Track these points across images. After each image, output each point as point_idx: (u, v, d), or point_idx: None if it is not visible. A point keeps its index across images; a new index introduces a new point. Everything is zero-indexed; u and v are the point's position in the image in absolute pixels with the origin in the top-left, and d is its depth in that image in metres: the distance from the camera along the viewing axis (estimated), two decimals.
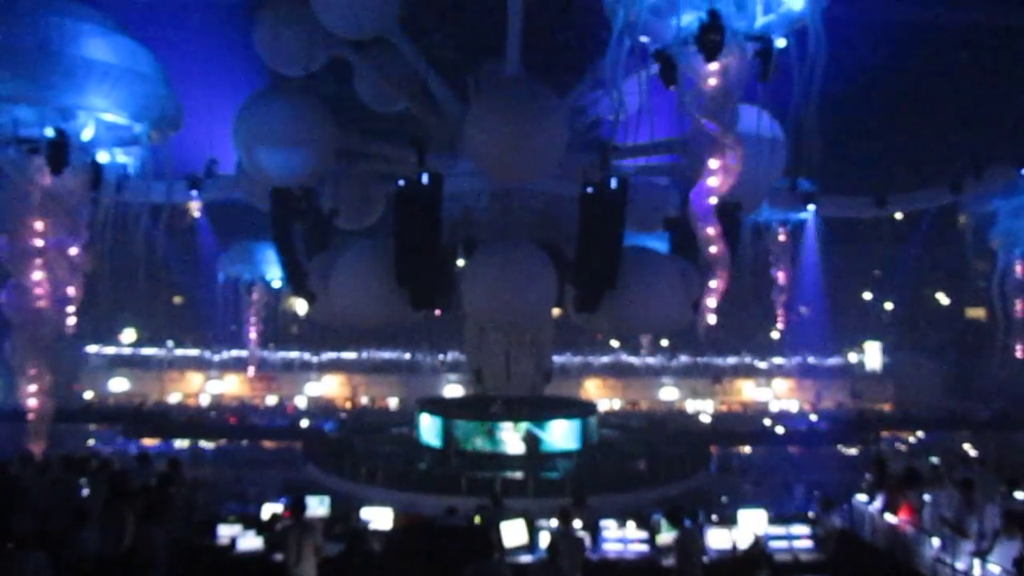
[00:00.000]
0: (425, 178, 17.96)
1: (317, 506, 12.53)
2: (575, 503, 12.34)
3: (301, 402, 37.14)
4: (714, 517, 12.58)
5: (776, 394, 38.97)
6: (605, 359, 40.25)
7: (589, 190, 18.17)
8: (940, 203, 27.60)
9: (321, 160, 19.78)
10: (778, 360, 39.46)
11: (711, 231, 17.50)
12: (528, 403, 20.87)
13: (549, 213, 21.19)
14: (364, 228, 24.33)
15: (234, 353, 37.63)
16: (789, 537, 12.07)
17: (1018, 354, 27.25)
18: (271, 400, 37.51)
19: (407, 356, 39.87)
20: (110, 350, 39.80)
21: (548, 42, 23.48)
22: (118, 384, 38.01)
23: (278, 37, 21.59)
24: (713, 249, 17.75)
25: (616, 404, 36.93)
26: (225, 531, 11.85)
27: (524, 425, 19.62)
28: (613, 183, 18.05)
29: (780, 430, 30.73)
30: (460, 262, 20.71)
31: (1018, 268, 27.01)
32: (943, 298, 44.25)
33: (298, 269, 20.63)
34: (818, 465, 23.96)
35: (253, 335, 32.36)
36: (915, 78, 32.13)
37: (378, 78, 22.58)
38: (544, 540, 11.07)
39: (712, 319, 19.17)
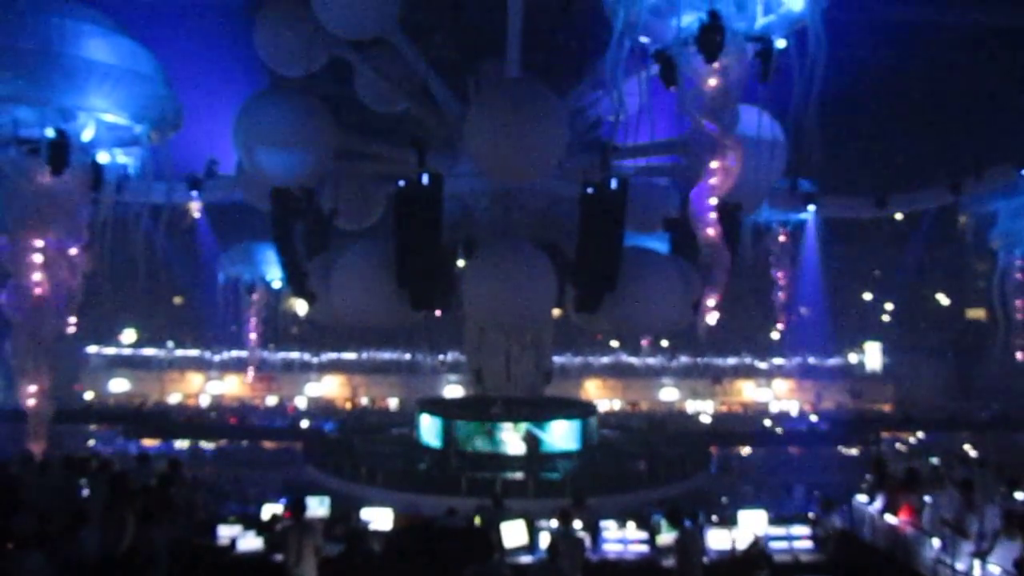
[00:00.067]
0: (425, 178, 17.95)
1: (317, 506, 12.53)
2: (575, 504, 12.35)
3: (301, 403, 37.16)
4: (714, 518, 12.59)
5: (776, 395, 39.00)
6: (605, 359, 40.27)
7: (589, 190, 18.16)
8: (940, 203, 27.61)
9: (321, 160, 19.77)
10: (778, 361, 39.47)
11: (711, 232, 17.50)
12: (528, 404, 20.85)
13: (549, 213, 21.19)
14: (364, 228, 24.33)
15: (234, 354, 37.65)
16: (789, 538, 12.08)
17: (1019, 355, 27.22)
18: (271, 401, 37.53)
19: (407, 357, 39.87)
20: (110, 350, 39.85)
21: (548, 42, 23.47)
22: (118, 384, 38.04)
23: (278, 37, 21.59)
24: (713, 250, 17.75)
25: (616, 405, 36.95)
26: (225, 531, 11.85)
27: (524, 426, 19.61)
28: (613, 184, 18.03)
29: (780, 431, 30.76)
30: (460, 262, 20.72)
31: (1018, 270, 26.97)
32: (943, 299, 44.24)
33: (298, 269, 20.62)
34: (818, 466, 23.97)
35: (253, 336, 32.36)
36: (915, 78, 32.12)
37: (378, 78, 22.56)
38: (544, 541, 11.06)
39: (712, 320, 19.16)
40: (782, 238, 30.08)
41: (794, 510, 15.29)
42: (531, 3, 19.10)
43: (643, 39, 16.71)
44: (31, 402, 17.59)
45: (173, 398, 37.90)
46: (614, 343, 40.63)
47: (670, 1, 15.59)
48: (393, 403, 36.88)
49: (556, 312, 21.94)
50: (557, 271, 18.51)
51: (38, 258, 17.17)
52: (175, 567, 10.25)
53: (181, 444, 27.82)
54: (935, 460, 18.11)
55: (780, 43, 15.90)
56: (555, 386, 24.47)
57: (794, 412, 36.24)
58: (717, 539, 11.57)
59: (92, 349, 38.66)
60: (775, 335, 34.33)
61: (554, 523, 11.29)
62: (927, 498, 11.98)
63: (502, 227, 20.63)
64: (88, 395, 36.76)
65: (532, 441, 19.48)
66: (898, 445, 28.60)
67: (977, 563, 10.29)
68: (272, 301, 32.22)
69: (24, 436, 17.54)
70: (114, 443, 27.20)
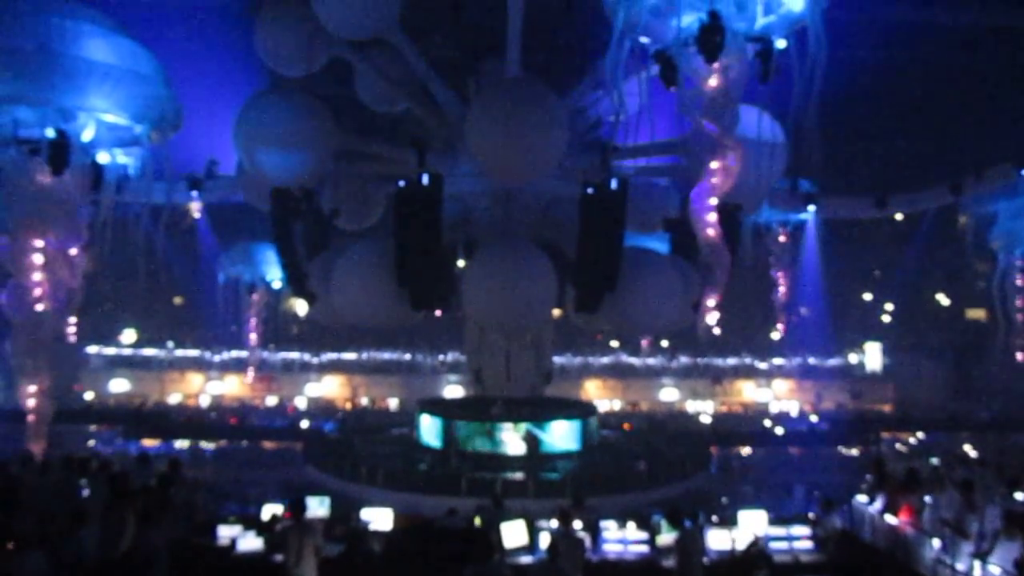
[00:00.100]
0: (425, 179, 17.96)
1: (317, 507, 12.52)
2: (574, 504, 12.35)
3: (301, 403, 37.13)
4: (714, 518, 12.58)
5: (776, 395, 38.96)
6: (605, 360, 40.24)
7: (589, 191, 18.16)
8: (940, 204, 27.62)
9: (321, 161, 19.79)
10: (778, 361, 39.44)
11: (711, 232, 17.50)
12: (528, 404, 20.86)
13: (549, 214, 21.20)
14: (364, 229, 24.33)
15: (234, 354, 37.61)
16: (789, 538, 12.07)
17: (1019, 356, 27.21)
18: (271, 401, 37.51)
19: (407, 357, 39.87)
20: (110, 351, 39.80)
21: (548, 42, 23.49)
22: (118, 385, 38.01)
23: (278, 37, 21.57)
24: (713, 250, 17.75)
25: (616, 405, 36.94)
26: (225, 532, 11.85)
27: (524, 426, 19.61)
28: (613, 184, 18.03)
29: (780, 431, 30.71)
30: (460, 263, 20.72)
31: (1018, 270, 26.96)
32: (943, 299, 44.19)
33: (298, 270, 20.63)
34: (818, 466, 23.93)
35: (253, 336, 32.35)
36: (915, 78, 32.11)
37: (378, 79, 22.56)
38: (544, 541, 11.05)
39: (712, 320, 19.16)
40: (782, 238, 30.09)
41: (794, 510, 15.28)
42: (531, 3, 19.10)
43: (643, 39, 16.72)
44: (31, 402, 17.58)
45: (173, 398, 37.87)
46: (614, 343, 40.60)
47: (670, 1, 15.58)
48: (393, 403, 36.86)
49: (556, 312, 21.95)
50: (557, 271, 18.51)
51: (38, 258, 17.16)
52: (175, 567, 10.25)
53: (181, 444, 27.78)
54: (935, 460, 18.11)
55: (780, 43, 15.91)
56: (555, 386, 24.48)
57: (794, 412, 36.20)
58: (717, 539, 11.57)
59: (92, 349, 38.62)
60: (775, 335, 34.31)
61: (554, 523, 11.29)
62: (927, 498, 11.99)
63: (502, 227, 20.64)
64: (88, 395, 36.73)
65: (532, 441, 19.48)
66: (898, 445, 28.57)
67: (977, 563, 10.29)
68: (272, 301, 32.21)
69: (24, 436, 17.53)
70: (114, 443, 27.17)
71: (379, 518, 12.54)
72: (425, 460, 19.72)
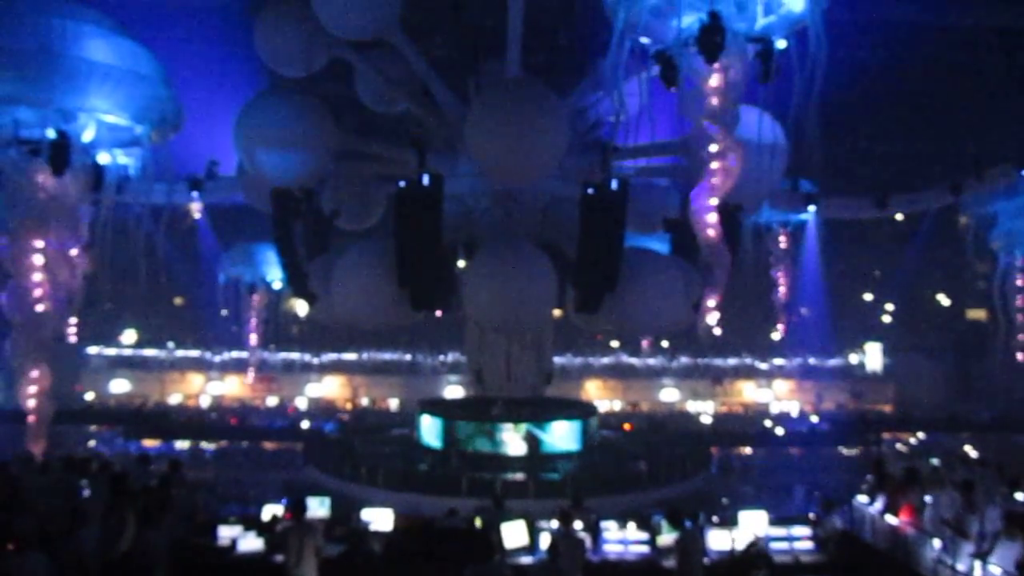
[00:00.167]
0: (426, 179, 17.96)
1: (318, 507, 12.52)
2: (573, 504, 12.35)
3: (302, 403, 37.15)
4: (715, 518, 12.57)
5: (777, 395, 38.97)
6: (605, 360, 40.24)
7: (590, 191, 18.16)
8: (941, 204, 27.60)
9: (321, 161, 19.78)
10: (779, 361, 39.45)
11: (712, 232, 17.50)
12: (529, 404, 20.85)
13: (550, 214, 21.19)
14: (365, 229, 24.33)
15: (235, 354, 37.62)
16: (790, 538, 12.07)
17: (1019, 356, 27.20)
18: (272, 401, 37.53)
19: (408, 357, 39.89)
20: (111, 351, 39.83)
21: (549, 43, 23.50)
22: (119, 385, 38.04)
23: (278, 38, 21.57)
24: (713, 250, 17.74)
25: (617, 405, 36.94)
26: (226, 532, 11.84)
27: (525, 426, 19.61)
28: (614, 184, 18.03)
29: (781, 431, 30.72)
30: (461, 263, 20.71)
31: (1019, 271, 26.94)
32: (944, 299, 44.19)
33: (299, 270, 20.62)
34: (819, 466, 23.98)
35: (254, 336, 32.33)
36: (915, 78, 32.13)
37: (378, 79, 22.56)
38: (545, 541, 11.06)
39: (713, 320, 19.16)
40: (783, 238, 30.08)
41: (795, 511, 15.32)
42: (531, 3, 19.11)
43: (643, 40, 16.73)
44: (31, 402, 17.58)
45: (174, 399, 37.90)
46: (614, 344, 40.61)
47: (670, 2, 15.59)
48: (394, 404, 36.88)
49: (556, 313, 21.93)
50: (557, 272, 18.52)
51: (39, 259, 17.17)
52: (175, 568, 10.25)
53: (181, 445, 27.84)
54: (936, 461, 18.09)
55: (780, 44, 15.92)
56: (555, 387, 24.47)
57: (794, 413, 36.22)
58: (718, 540, 11.56)
59: (93, 350, 38.65)
60: (775, 336, 34.32)
61: (555, 524, 11.29)
62: (928, 499, 11.97)
63: (502, 227, 20.62)
64: (89, 396, 36.77)
65: (532, 442, 19.48)
66: (899, 446, 28.61)
67: (978, 564, 10.28)
68: (273, 302, 32.18)
69: (24, 436, 17.53)
70: (114, 444, 27.23)
71: (379, 518, 12.53)
72: (425, 460, 19.71)
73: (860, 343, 41.45)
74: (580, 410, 22.44)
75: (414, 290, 18.72)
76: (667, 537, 11.35)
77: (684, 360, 39.64)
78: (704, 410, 36.46)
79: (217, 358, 39.05)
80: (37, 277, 17.19)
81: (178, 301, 42.51)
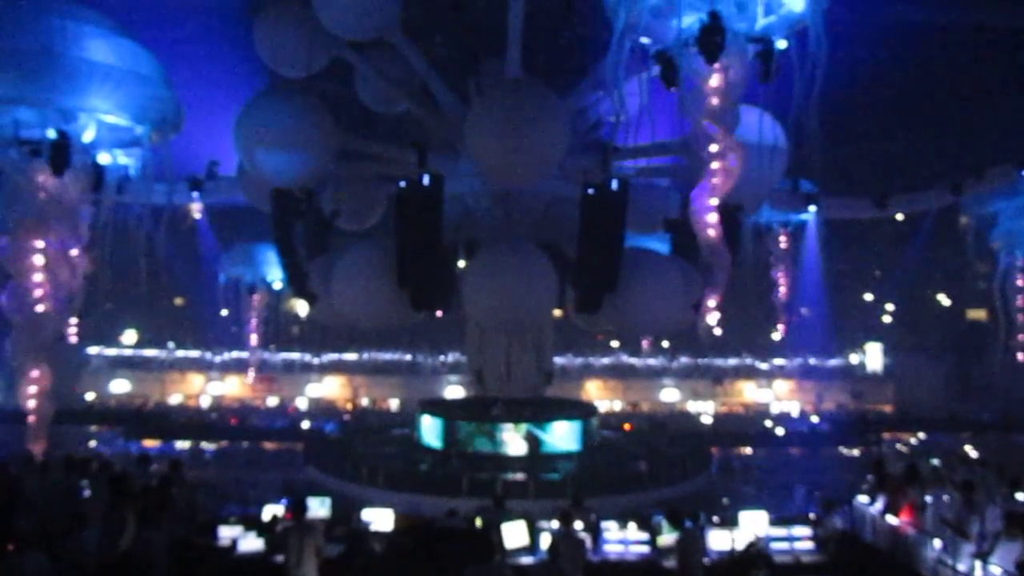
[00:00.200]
0: (426, 179, 17.97)
1: (318, 507, 12.53)
2: (574, 504, 12.36)
3: (302, 403, 37.15)
4: (715, 518, 12.57)
5: (777, 395, 38.96)
6: (606, 360, 40.24)
7: (590, 191, 18.17)
8: (941, 204, 27.59)
9: (322, 161, 19.79)
10: (779, 361, 39.45)
11: (712, 233, 17.49)
12: (529, 404, 20.86)
13: (550, 214, 21.20)
14: (365, 229, 24.34)
15: (235, 354, 37.61)
16: (790, 539, 12.07)
17: (1020, 356, 27.19)
18: (272, 401, 37.52)
19: (408, 357, 39.87)
20: (111, 351, 39.83)
21: (549, 43, 23.47)
22: (119, 385, 38.03)
23: (278, 38, 21.57)
24: (714, 251, 17.74)
25: (617, 405, 36.93)
26: (226, 532, 11.85)
27: (525, 426, 19.61)
28: (614, 184, 18.05)
29: (781, 431, 30.71)
30: (461, 263, 20.71)
31: (1019, 271, 26.92)
32: (944, 299, 44.18)
33: (299, 270, 20.63)
34: (819, 466, 23.96)
35: (254, 336, 32.33)
36: (915, 78, 32.07)
37: (379, 79, 22.57)
38: (545, 541, 11.06)
39: (713, 320, 19.14)
40: (783, 239, 30.07)
41: (795, 511, 15.29)
42: (531, 3, 19.10)
43: (644, 40, 16.72)
44: (32, 402, 17.57)
45: (174, 399, 37.89)
46: (614, 344, 40.61)
47: (671, 2, 15.58)
48: (394, 404, 36.87)
49: (557, 313, 21.93)
50: (558, 272, 18.53)
51: (39, 259, 17.16)
52: (176, 568, 10.24)
53: (182, 445, 27.81)
54: (936, 461, 18.07)
55: (781, 44, 15.91)
56: (556, 387, 24.48)
57: (795, 413, 36.21)
58: (718, 540, 11.57)
59: (93, 350, 38.63)
60: (776, 336, 34.31)
61: (555, 524, 11.29)
62: (928, 499, 11.98)
63: (503, 228, 20.64)
64: (89, 396, 36.76)
65: (533, 442, 19.48)
66: (899, 446, 28.58)
67: (978, 564, 10.28)
68: (273, 302, 32.18)
69: (24, 436, 17.52)
70: (115, 444, 27.19)
71: (380, 519, 12.54)
72: (426, 461, 19.72)
73: (860, 343, 41.44)
74: (580, 410, 22.46)
75: (414, 290, 18.73)
76: (667, 537, 11.36)
77: (684, 360, 39.63)
78: (704, 410, 36.45)
79: (217, 358, 39.04)
80: (37, 277, 17.18)
81: (178, 301, 42.55)
